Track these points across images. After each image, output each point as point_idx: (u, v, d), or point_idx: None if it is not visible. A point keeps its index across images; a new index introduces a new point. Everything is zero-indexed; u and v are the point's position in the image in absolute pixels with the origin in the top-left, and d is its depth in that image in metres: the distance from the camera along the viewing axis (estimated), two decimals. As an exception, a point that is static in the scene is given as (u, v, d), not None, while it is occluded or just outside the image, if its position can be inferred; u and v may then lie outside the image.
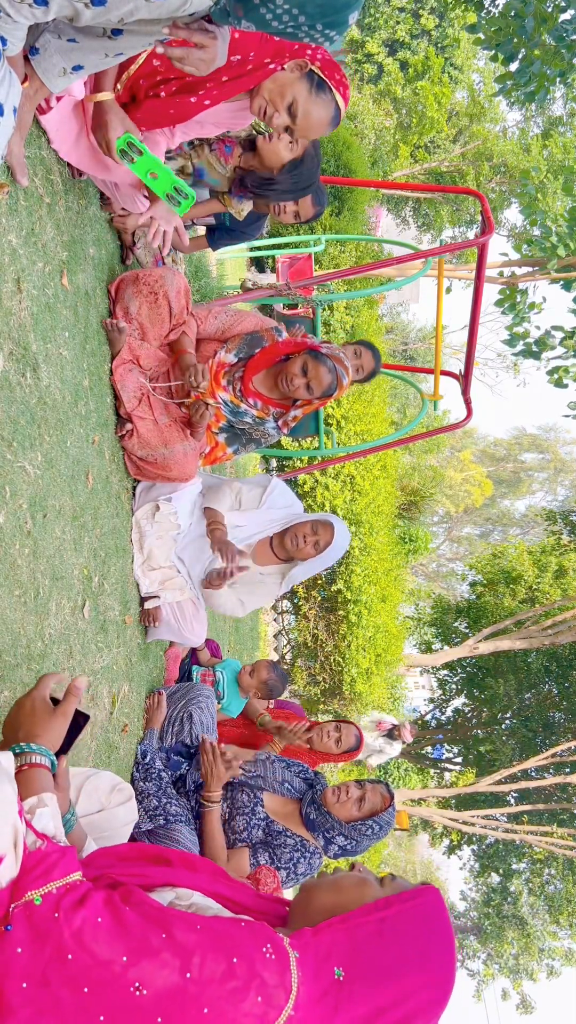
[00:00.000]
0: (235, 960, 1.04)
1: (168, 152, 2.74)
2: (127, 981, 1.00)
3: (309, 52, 2.24)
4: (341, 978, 1.13)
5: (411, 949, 1.18)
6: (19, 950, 1.00)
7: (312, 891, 1.28)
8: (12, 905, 1.04)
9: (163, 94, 2.20)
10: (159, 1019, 1.00)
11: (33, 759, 1.25)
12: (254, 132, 2.91)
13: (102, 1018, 0.99)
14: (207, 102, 2.23)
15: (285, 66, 2.24)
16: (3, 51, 1.50)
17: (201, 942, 1.05)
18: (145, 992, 1.00)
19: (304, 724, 3.54)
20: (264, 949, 1.08)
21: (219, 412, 3.15)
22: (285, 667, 11.10)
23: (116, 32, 1.71)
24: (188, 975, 1.01)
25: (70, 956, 1.00)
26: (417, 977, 1.16)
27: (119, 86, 2.15)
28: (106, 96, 2.09)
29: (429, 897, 1.25)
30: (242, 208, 3.11)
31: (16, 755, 1.25)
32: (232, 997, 1.02)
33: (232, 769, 2.65)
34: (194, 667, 3.77)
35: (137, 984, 1.00)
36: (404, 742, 10.16)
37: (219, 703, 3.66)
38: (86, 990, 0.99)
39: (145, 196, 2.54)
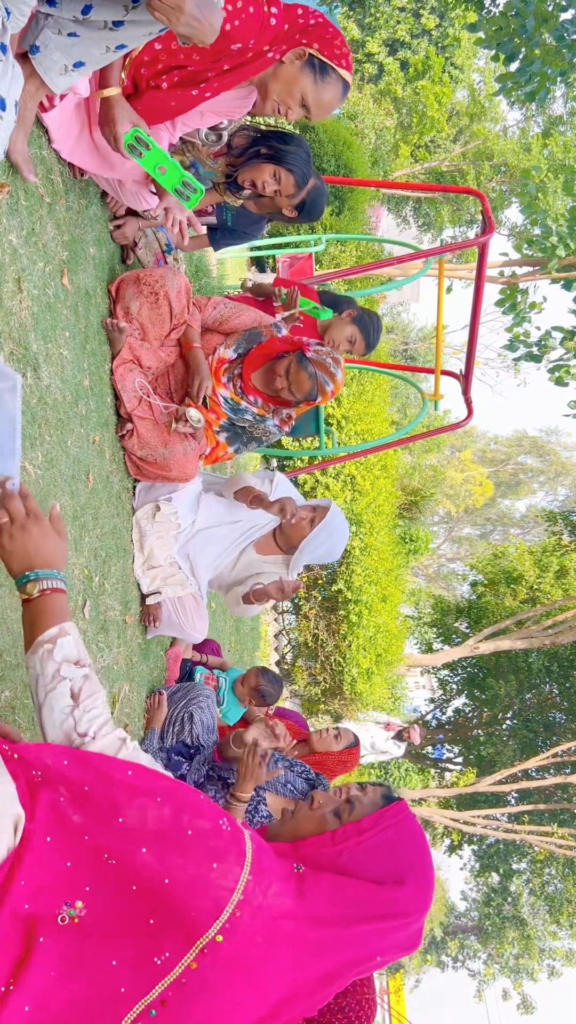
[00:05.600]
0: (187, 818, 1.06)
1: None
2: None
3: (304, 41, 2.21)
4: (301, 870, 1.12)
5: (376, 874, 1.15)
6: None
7: (273, 840, 1.26)
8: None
9: (165, 85, 2.18)
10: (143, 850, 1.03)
11: (55, 584, 1.24)
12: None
13: (121, 820, 1.03)
14: (208, 94, 2.21)
15: (284, 58, 2.22)
16: (6, 24, 1.49)
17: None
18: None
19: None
20: (220, 821, 1.08)
21: (219, 410, 3.14)
22: (285, 667, 11.09)
23: (117, 23, 1.70)
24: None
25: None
26: (386, 895, 1.13)
27: (123, 75, 2.14)
28: (113, 91, 2.07)
29: (390, 820, 1.20)
30: (240, 196, 3.11)
31: (33, 581, 1.23)
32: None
33: (271, 774, 2.65)
34: (197, 668, 3.77)
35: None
36: (412, 744, 10.15)
37: (219, 708, 3.65)
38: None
39: (152, 192, 2.53)
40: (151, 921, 1.00)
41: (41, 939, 0.98)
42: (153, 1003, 0.98)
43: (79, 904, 1.01)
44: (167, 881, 1.01)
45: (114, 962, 0.99)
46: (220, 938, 1.00)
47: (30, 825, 1.04)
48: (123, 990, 0.98)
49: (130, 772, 1.09)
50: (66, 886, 1.02)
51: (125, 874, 1.02)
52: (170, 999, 0.98)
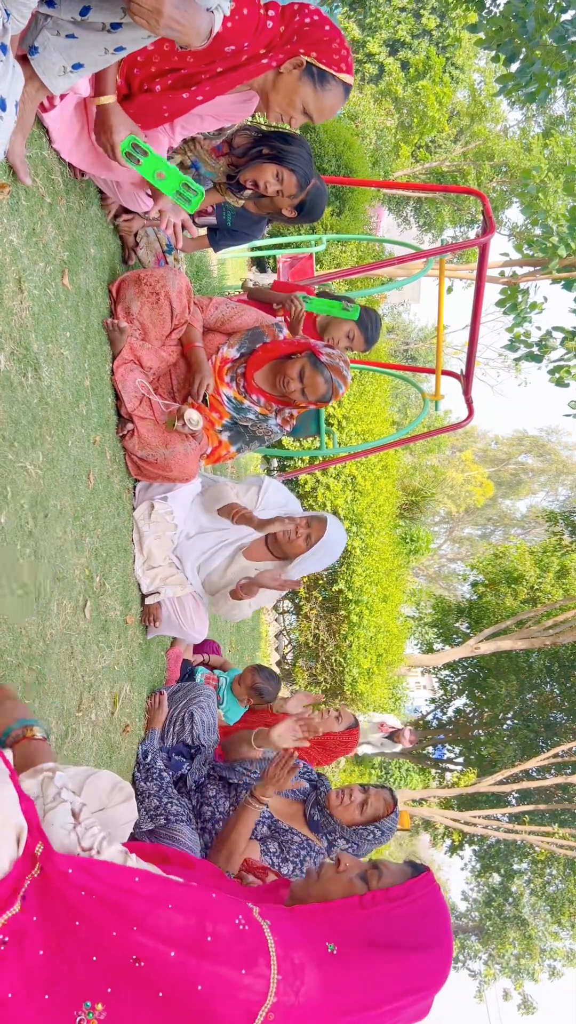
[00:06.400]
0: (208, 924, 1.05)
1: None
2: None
3: (302, 50, 2.18)
4: (335, 952, 1.12)
5: (404, 940, 1.16)
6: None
7: (300, 903, 1.26)
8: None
9: (158, 88, 2.17)
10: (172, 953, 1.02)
11: (35, 733, 1.38)
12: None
13: (136, 929, 1.03)
14: (200, 97, 2.18)
15: (282, 68, 2.20)
16: (6, 25, 1.49)
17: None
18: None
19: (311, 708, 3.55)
20: (237, 921, 1.08)
21: (222, 410, 3.14)
22: (286, 667, 11.10)
23: (115, 26, 1.70)
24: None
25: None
26: (412, 964, 1.15)
27: (117, 75, 2.12)
28: (109, 99, 2.07)
29: (419, 893, 1.22)
30: (240, 197, 3.11)
31: (38, 727, 1.40)
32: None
33: (295, 784, 2.64)
34: (199, 668, 3.77)
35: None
36: (403, 747, 10.20)
37: (219, 708, 3.66)
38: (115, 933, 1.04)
39: (148, 194, 2.53)
40: None
41: None
42: None
43: (99, 1007, 0.98)
44: (200, 988, 0.99)
45: None
46: None
47: (51, 905, 1.03)
48: None
49: (137, 879, 1.08)
50: (87, 982, 0.99)
51: (152, 978, 0.99)
52: None
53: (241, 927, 1.06)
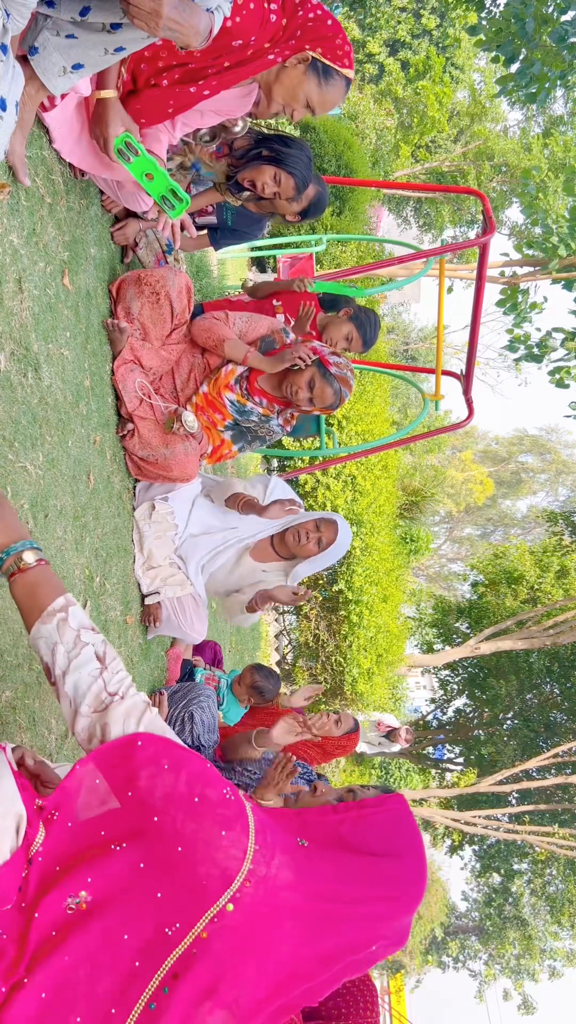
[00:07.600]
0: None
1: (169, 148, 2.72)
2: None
3: (307, 46, 2.22)
4: (306, 845, 1.14)
5: (375, 845, 1.18)
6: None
7: None
8: None
9: (165, 83, 2.18)
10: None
11: (27, 561, 1.23)
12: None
13: (131, 794, 1.05)
14: (207, 92, 2.21)
15: (287, 63, 2.23)
16: (6, 25, 1.49)
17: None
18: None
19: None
20: (224, 791, 1.10)
21: (225, 411, 3.15)
22: (286, 667, 11.10)
23: (115, 26, 1.70)
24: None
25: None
26: (384, 869, 1.16)
27: (123, 69, 2.14)
28: (109, 94, 2.08)
29: (392, 805, 1.25)
30: (240, 197, 3.12)
31: (32, 549, 1.23)
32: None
33: (294, 787, 2.66)
34: (197, 669, 3.77)
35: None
36: (400, 746, 10.21)
37: (219, 709, 3.66)
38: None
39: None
40: (159, 895, 1.01)
41: (54, 933, 1.00)
42: (166, 977, 0.98)
43: (83, 894, 1.01)
44: (180, 848, 1.02)
45: (126, 936, 0.99)
46: (231, 907, 1.01)
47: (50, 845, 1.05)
48: (137, 964, 0.98)
49: (140, 743, 1.11)
50: (72, 884, 1.03)
51: (133, 853, 1.02)
52: (182, 972, 0.98)
53: (228, 796, 1.09)
